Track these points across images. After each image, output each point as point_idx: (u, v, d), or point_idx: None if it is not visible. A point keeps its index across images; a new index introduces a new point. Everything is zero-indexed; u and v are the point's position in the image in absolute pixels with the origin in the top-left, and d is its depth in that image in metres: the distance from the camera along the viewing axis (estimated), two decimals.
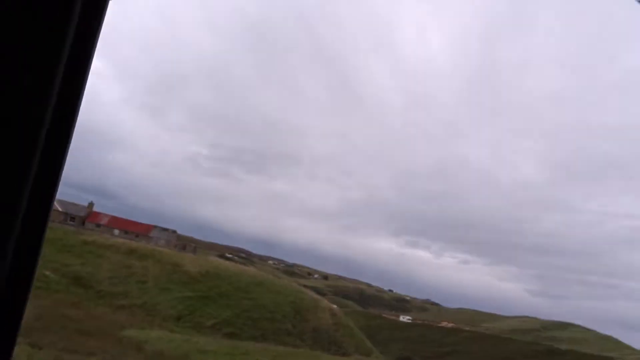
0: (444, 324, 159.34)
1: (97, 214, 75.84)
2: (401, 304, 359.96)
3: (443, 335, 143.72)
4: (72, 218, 70.89)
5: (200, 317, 52.67)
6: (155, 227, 76.28)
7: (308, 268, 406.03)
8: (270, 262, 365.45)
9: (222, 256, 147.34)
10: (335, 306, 76.62)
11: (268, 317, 59.34)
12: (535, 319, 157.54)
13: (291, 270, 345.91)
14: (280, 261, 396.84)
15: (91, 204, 75.63)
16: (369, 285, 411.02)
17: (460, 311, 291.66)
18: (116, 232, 70.86)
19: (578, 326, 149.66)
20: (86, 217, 73.40)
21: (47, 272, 47.55)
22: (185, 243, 76.84)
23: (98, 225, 72.29)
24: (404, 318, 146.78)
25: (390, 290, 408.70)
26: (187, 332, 47.34)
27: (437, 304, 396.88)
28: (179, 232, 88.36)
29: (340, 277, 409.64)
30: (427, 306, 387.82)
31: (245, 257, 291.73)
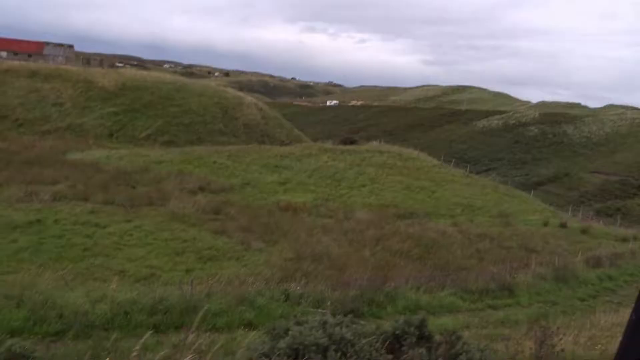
0: (353, 102, 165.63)
1: None
2: (306, 90, 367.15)
3: (355, 113, 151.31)
4: None
5: (133, 130, 51.20)
6: (47, 43, 67.97)
7: (207, 67, 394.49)
8: (166, 65, 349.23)
9: (112, 66, 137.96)
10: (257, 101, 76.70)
11: (199, 121, 58.78)
12: (435, 86, 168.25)
13: (190, 72, 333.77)
14: (176, 64, 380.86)
15: None
16: (271, 76, 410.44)
17: (363, 89, 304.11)
18: (3, 54, 62.90)
19: (474, 87, 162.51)
20: None
21: None
22: (88, 57, 70.15)
23: None
24: (331, 102, 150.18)
25: (294, 79, 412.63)
26: (125, 147, 46.18)
27: (339, 85, 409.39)
28: None
29: (241, 72, 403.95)
30: (330, 89, 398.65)
31: (138, 64, 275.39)
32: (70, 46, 69.26)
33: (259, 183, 31.85)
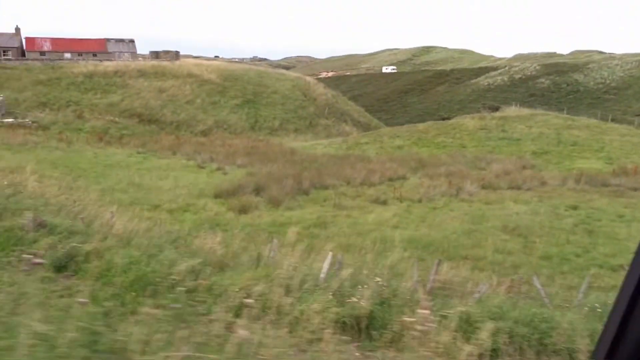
0: (323, 74, 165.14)
1: (33, 39, 58.76)
2: None
3: (333, 85, 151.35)
4: (5, 51, 54.39)
5: (264, 121, 49.61)
6: (108, 40, 62.03)
7: None
8: None
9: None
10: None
11: (298, 105, 57.80)
12: (399, 49, 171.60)
13: None
14: None
15: (18, 29, 57.48)
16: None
17: (288, 60, 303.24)
18: (67, 55, 57.00)
19: (437, 47, 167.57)
20: (23, 47, 56.87)
21: (112, 117, 39.32)
22: (156, 51, 64.89)
23: (42, 54, 56.84)
24: (387, 69, 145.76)
25: (217, 57, 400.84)
26: (268, 137, 44.97)
27: (265, 59, 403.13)
28: None
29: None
30: (257, 64, 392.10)
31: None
32: (132, 41, 63.47)
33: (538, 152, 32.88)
